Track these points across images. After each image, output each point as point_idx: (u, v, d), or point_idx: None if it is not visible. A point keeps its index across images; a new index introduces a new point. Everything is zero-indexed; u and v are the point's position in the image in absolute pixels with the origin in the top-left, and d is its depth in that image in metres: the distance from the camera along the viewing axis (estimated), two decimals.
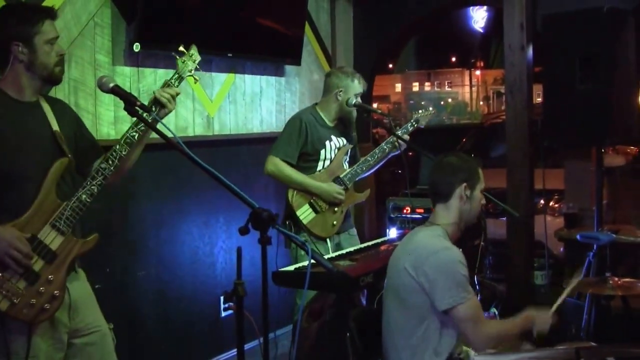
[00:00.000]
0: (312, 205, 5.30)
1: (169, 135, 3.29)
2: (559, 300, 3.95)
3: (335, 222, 5.38)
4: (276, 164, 5.23)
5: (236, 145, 6.15)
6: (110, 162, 3.54)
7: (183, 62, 3.79)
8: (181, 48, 3.82)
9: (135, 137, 3.61)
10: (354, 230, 5.67)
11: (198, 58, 3.87)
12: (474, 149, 11.35)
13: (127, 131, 3.61)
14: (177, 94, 3.76)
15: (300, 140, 5.29)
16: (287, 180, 5.27)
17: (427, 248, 3.56)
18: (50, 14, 3.60)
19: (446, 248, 3.56)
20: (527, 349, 3.72)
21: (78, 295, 3.67)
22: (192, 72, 3.84)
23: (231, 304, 5.77)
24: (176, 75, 3.77)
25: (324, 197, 5.30)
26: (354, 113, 5.54)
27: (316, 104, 5.57)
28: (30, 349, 3.42)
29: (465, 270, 3.51)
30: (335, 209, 5.38)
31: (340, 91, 5.39)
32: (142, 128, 3.61)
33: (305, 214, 5.27)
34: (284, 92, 6.75)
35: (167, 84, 3.74)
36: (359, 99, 5.43)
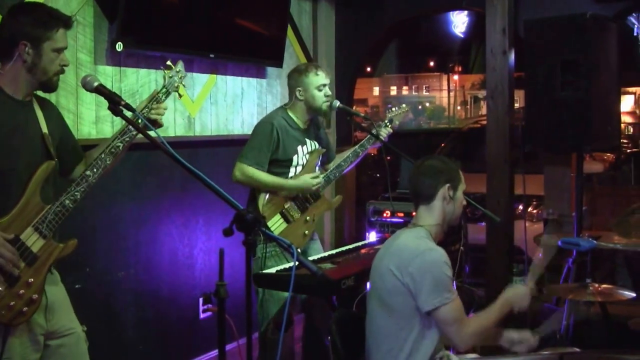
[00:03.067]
0: (283, 215, 5.09)
1: (153, 135, 3.28)
2: (535, 272, 4.00)
3: (306, 232, 5.21)
4: (244, 171, 4.96)
5: (217, 146, 6.13)
6: (95, 170, 3.55)
7: (170, 77, 3.86)
8: (168, 62, 3.87)
9: (120, 148, 3.62)
10: (316, 235, 5.48)
11: (184, 74, 3.95)
12: (453, 153, 11.37)
13: (112, 140, 3.62)
14: (165, 109, 3.84)
15: (271, 146, 5.04)
16: (260, 185, 5.03)
17: (411, 249, 3.57)
18: (67, 23, 3.58)
19: (431, 249, 3.57)
20: (509, 339, 3.75)
21: (54, 297, 3.65)
22: (178, 88, 3.92)
23: (210, 305, 5.80)
24: (163, 90, 3.82)
25: (304, 192, 5.13)
26: (325, 110, 5.26)
27: (286, 106, 5.31)
28: (5, 350, 3.40)
29: (449, 271, 3.53)
30: (307, 218, 5.20)
31: (299, 90, 5.16)
32: (127, 139, 3.63)
33: (276, 224, 5.06)
34: (265, 94, 6.74)
35: (155, 99, 3.77)
36: (339, 103, 5.25)
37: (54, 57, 3.51)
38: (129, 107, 3.42)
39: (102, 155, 3.57)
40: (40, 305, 3.51)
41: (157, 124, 3.76)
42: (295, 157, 5.14)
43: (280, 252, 4.95)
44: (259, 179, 4.98)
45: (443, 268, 3.51)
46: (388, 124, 5.52)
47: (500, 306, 3.71)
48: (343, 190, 6.36)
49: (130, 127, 3.57)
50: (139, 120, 3.57)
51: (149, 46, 5.27)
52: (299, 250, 4.94)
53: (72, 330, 3.72)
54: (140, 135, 3.47)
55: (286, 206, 5.10)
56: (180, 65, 3.92)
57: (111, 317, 5.31)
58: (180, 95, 3.96)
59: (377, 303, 3.66)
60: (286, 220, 5.09)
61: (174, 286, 5.81)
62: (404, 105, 5.77)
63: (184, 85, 3.98)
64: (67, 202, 3.48)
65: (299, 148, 5.17)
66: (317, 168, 5.34)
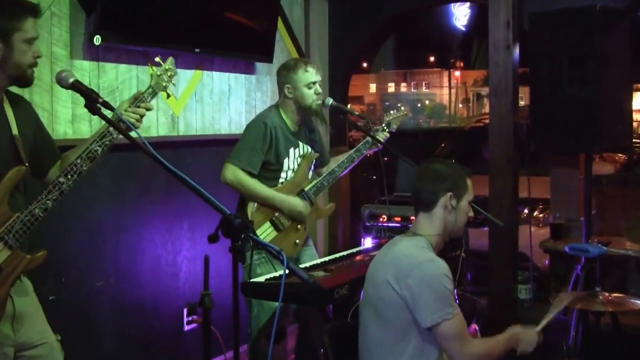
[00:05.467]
0: (273, 223, 5.08)
1: (134, 135, 3.26)
2: (545, 319, 3.96)
3: (297, 241, 5.19)
4: (236, 174, 4.95)
5: (203, 146, 6.12)
6: (70, 177, 3.48)
7: (158, 76, 3.80)
8: (157, 59, 3.82)
9: (99, 152, 3.56)
10: (310, 241, 5.48)
11: (175, 73, 3.88)
12: (454, 154, 11.38)
13: (90, 143, 3.57)
14: (149, 110, 3.78)
15: (264, 148, 5.02)
16: (248, 193, 5.02)
17: (410, 259, 3.55)
18: (35, 11, 3.53)
19: (431, 260, 3.55)
20: (514, 337, 3.74)
21: (24, 306, 3.62)
22: (166, 88, 3.86)
23: (195, 317, 5.81)
24: (150, 90, 3.77)
25: (290, 213, 5.09)
26: (318, 109, 5.23)
27: (278, 105, 5.28)
28: None
29: (451, 284, 3.51)
30: (299, 226, 5.19)
31: (288, 87, 5.14)
32: (107, 142, 3.57)
33: (266, 232, 5.05)
34: (254, 91, 6.73)
35: (139, 98, 3.73)
36: (332, 101, 5.25)
37: (25, 48, 3.47)
38: (107, 106, 3.38)
39: (78, 161, 3.50)
40: (6, 315, 3.48)
41: (137, 125, 3.69)
42: (286, 161, 5.13)
43: (270, 260, 4.95)
44: (250, 187, 4.98)
45: (444, 281, 3.49)
46: (385, 127, 5.52)
47: (507, 340, 3.69)
48: (337, 193, 6.34)
49: (111, 129, 3.52)
50: (114, 116, 3.52)
51: (129, 40, 5.25)
52: (290, 257, 4.95)
53: (44, 340, 3.70)
54: (120, 136, 3.45)
55: (277, 214, 5.08)
56: (170, 63, 3.87)
57: (89, 330, 5.30)
58: (168, 96, 3.90)
59: (371, 314, 3.65)
60: (276, 228, 5.09)
61: (157, 296, 5.80)
62: (403, 109, 5.72)
63: (173, 84, 3.92)
64: (37, 210, 3.42)
65: (291, 151, 5.16)
66: (309, 173, 5.33)
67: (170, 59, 3.90)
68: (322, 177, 5.30)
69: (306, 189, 5.22)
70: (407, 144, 11.88)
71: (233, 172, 4.95)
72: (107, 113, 3.39)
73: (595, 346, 5.43)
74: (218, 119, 6.32)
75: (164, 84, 3.83)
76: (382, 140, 5.39)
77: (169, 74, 3.84)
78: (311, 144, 5.34)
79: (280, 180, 5.14)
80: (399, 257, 3.61)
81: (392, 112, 5.64)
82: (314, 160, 5.35)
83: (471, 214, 3.84)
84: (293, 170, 5.18)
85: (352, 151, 5.39)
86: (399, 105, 5.85)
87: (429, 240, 3.70)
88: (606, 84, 5.48)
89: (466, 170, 3.94)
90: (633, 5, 6.27)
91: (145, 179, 5.60)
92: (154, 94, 3.78)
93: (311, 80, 5.13)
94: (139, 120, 3.72)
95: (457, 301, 4.46)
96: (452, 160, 4.23)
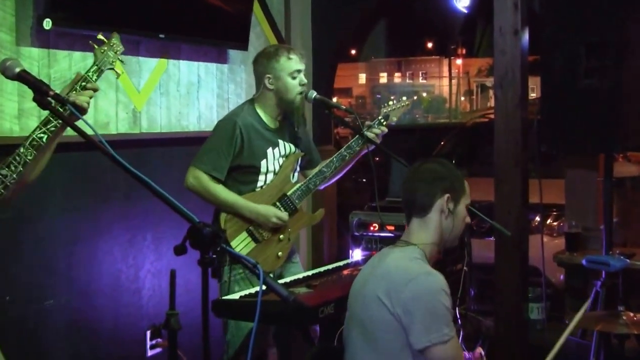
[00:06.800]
0: (251, 234, 5.06)
1: (90, 132, 3.25)
2: (557, 346, 3.98)
3: (280, 254, 5.15)
4: (199, 179, 4.95)
5: (169, 145, 6.12)
6: (13, 168, 3.45)
7: (102, 52, 3.79)
8: (100, 36, 3.82)
9: (44, 139, 3.54)
10: (297, 257, 5.49)
11: (120, 48, 3.89)
12: (455, 154, 11.41)
13: (33, 131, 3.55)
14: (96, 91, 3.75)
15: (232, 149, 5.01)
16: (213, 201, 5.03)
17: (403, 273, 3.55)
18: None
19: (427, 273, 3.54)
20: None
21: None
22: (114, 64, 3.85)
23: (159, 340, 5.79)
24: (94, 68, 3.76)
25: (261, 223, 5.05)
26: (300, 103, 5.20)
27: (253, 99, 5.27)
28: None
29: (449, 301, 3.51)
30: (281, 237, 5.14)
31: (269, 77, 5.12)
32: (52, 129, 3.55)
33: (242, 244, 5.03)
34: (227, 83, 6.73)
35: (83, 78, 3.71)
36: (315, 94, 5.22)
37: None
38: (59, 99, 3.38)
39: (22, 150, 3.48)
40: None
41: (82, 110, 3.61)
42: (264, 163, 5.11)
43: (249, 276, 4.94)
44: (214, 193, 4.98)
45: (441, 297, 3.47)
46: (383, 121, 5.41)
47: None
48: (321, 199, 6.32)
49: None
50: (66, 109, 3.47)
51: (84, 24, 5.23)
52: (271, 275, 4.95)
53: None
54: (74, 134, 3.43)
55: (253, 223, 5.07)
56: (115, 39, 3.86)
57: (38, 357, 5.28)
58: (118, 75, 3.90)
59: (358, 334, 3.64)
60: (254, 239, 5.07)
61: (116, 317, 5.79)
62: (404, 98, 5.63)
63: (121, 61, 3.91)
64: None
65: (269, 151, 5.14)
66: (294, 175, 5.32)
67: (115, 34, 3.88)
68: (308, 179, 5.27)
69: (288, 193, 5.18)
70: (401, 142, 11.91)
71: (196, 177, 4.96)
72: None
73: None
74: (186, 115, 6.32)
75: (110, 61, 3.82)
76: (377, 135, 5.34)
77: (115, 49, 3.83)
78: (296, 141, 5.33)
79: (259, 184, 5.12)
80: (391, 270, 3.60)
81: (391, 102, 5.57)
82: (299, 160, 5.34)
83: (468, 219, 3.86)
84: (274, 172, 5.16)
85: (343, 148, 5.34)
86: (392, 98, 5.84)
87: (423, 249, 3.70)
88: (629, 73, 5.49)
89: (462, 171, 3.96)
90: None
91: (103, 183, 5.59)
92: (100, 72, 3.76)
93: (295, 69, 5.12)
94: (88, 104, 3.68)
95: (459, 322, 4.48)
96: (452, 161, 4.22)
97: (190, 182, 4.97)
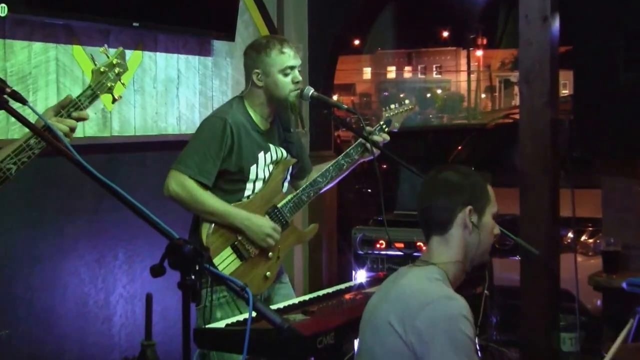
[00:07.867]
0: (236, 250, 5.03)
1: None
2: None
3: (268, 274, 5.13)
4: (183, 184, 4.89)
5: (144, 150, 6.14)
6: None
7: (101, 74, 3.72)
8: (103, 50, 3.76)
9: (13, 172, 3.51)
10: (286, 277, 5.46)
11: (125, 68, 3.81)
12: (474, 160, 11.41)
13: (1, 160, 3.51)
14: (84, 120, 3.70)
15: (221, 152, 4.96)
16: (199, 209, 4.97)
17: (420, 295, 3.53)
18: None
19: (447, 297, 3.52)
20: None
21: None
22: (113, 87, 3.76)
23: None
24: (89, 92, 3.69)
25: (252, 235, 5.01)
26: (292, 103, 5.16)
27: (242, 97, 5.23)
28: None
29: (470, 329, 3.48)
30: (270, 254, 5.11)
31: (258, 73, 5.09)
32: (24, 160, 3.50)
33: (226, 262, 5.00)
34: (211, 79, 6.75)
35: (73, 103, 3.64)
36: (313, 91, 5.19)
37: None
38: (17, 97, 3.36)
39: None
40: None
41: (68, 136, 3.55)
42: (253, 169, 5.09)
43: (234, 299, 4.95)
44: (202, 201, 4.93)
45: (463, 325, 3.44)
46: (384, 126, 5.44)
47: None
48: (320, 212, 6.33)
49: (31, 141, 3.45)
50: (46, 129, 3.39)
51: (46, 10, 5.25)
52: (258, 296, 4.95)
53: None
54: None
55: (240, 237, 5.04)
56: (119, 55, 3.82)
57: None
58: (114, 100, 3.82)
59: None
60: (240, 256, 5.05)
61: (83, 348, 5.80)
62: (407, 102, 5.64)
63: (122, 84, 3.85)
64: None
65: (261, 156, 5.12)
66: (284, 184, 5.31)
67: (120, 49, 3.81)
68: (301, 189, 5.26)
69: (279, 205, 5.18)
70: (412, 147, 11.93)
71: (179, 182, 4.91)
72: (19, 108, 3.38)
73: None
74: (164, 115, 6.34)
75: (108, 84, 3.75)
76: (379, 142, 5.35)
77: (116, 70, 3.77)
78: (287, 146, 5.32)
79: (246, 193, 5.10)
80: (406, 292, 3.59)
81: (392, 106, 5.57)
82: (290, 168, 5.33)
83: (497, 230, 3.83)
84: (263, 180, 5.15)
85: (340, 156, 5.35)
86: (402, 95, 5.85)
87: (445, 270, 3.66)
88: None
89: (485, 175, 3.94)
90: None
91: (69, 193, 5.60)
92: (93, 97, 3.70)
93: (288, 65, 5.10)
94: (68, 135, 3.58)
95: (480, 353, 4.49)
96: (471, 168, 4.21)
97: (172, 189, 4.90)
